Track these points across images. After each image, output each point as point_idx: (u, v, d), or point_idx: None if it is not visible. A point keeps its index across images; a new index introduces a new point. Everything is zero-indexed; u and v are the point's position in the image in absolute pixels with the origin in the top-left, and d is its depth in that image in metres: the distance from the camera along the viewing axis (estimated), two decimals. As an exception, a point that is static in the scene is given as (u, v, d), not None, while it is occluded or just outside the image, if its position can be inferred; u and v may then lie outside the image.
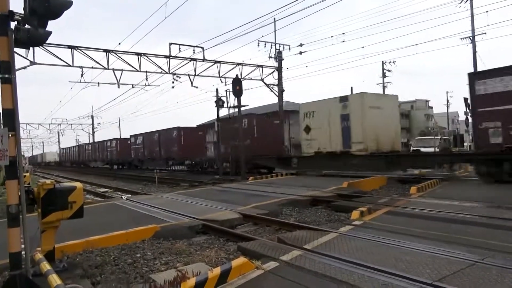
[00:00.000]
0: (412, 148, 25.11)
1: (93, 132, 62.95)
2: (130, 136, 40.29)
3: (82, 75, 20.67)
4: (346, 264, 4.53)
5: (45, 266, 3.89)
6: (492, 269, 4.11)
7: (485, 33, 25.47)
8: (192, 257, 5.55)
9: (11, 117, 3.49)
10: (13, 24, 3.64)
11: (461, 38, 26.31)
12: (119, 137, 45.88)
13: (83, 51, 19.28)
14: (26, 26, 3.75)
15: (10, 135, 3.46)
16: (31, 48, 15.08)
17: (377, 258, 4.71)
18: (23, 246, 3.89)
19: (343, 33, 35.74)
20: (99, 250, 5.92)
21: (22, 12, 3.59)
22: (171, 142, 30.73)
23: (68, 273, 4.65)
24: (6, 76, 3.44)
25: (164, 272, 4.85)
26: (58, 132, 73.00)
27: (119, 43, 30.95)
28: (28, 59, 16.69)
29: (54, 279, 3.39)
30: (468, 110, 28.47)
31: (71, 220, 4.82)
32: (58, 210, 4.66)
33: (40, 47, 16.30)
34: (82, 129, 64.17)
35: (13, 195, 3.57)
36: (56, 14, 3.51)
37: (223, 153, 23.18)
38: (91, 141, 60.91)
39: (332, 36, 33.84)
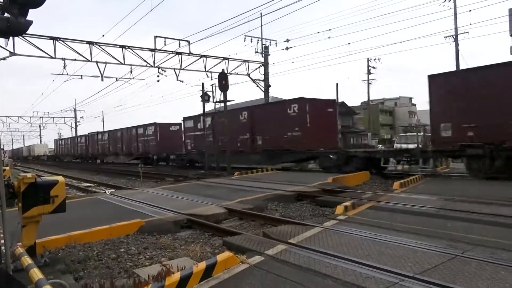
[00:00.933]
0: (395, 145, 25.51)
1: (76, 126, 61.84)
2: (184, 118, 28.06)
3: (64, 67, 20.29)
4: (330, 258, 4.58)
5: (26, 260, 3.81)
6: (472, 262, 4.22)
7: (468, 32, 25.98)
8: (177, 252, 5.53)
9: (-10, 109, 3.40)
10: (-9, 13, 3.53)
11: (445, 37, 26.83)
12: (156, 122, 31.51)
13: (66, 42, 18.88)
14: (6, 14, 3.63)
15: (-11, 127, 3.36)
16: (10, 38, 14.63)
17: (361, 252, 4.78)
18: (2, 241, 3.80)
19: (329, 30, 35.94)
20: (82, 245, 5.84)
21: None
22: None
23: (50, 268, 4.57)
24: (-15, 66, 3.34)
25: (148, 267, 4.82)
26: (40, 125, 71.55)
27: (103, 35, 30.45)
28: (7, 50, 16.24)
29: (36, 273, 3.32)
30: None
31: (53, 214, 4.73)
32: (40, 204, 4.56)
33: (21, 37, 15.87)
34: (65, 123, 62.98)
35: (-8, 188, 3.47)
36: (37, 3, 3.40)
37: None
38: (73, 134, 59.67)
39: (318, 32, 34.01)
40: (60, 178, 4.85)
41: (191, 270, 3.99)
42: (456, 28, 25.85)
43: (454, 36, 26.22)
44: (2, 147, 3.73)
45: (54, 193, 4.69)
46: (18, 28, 3.63)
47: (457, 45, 25.98)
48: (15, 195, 4.57)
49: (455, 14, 25.67)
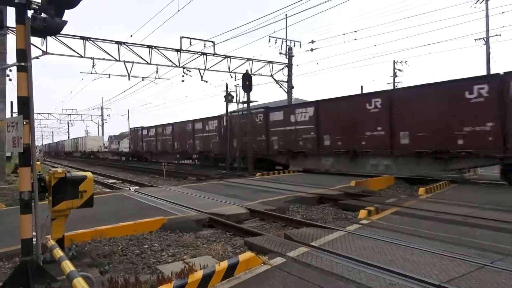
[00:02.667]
0: None
1: (103, 124, 63.52)
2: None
3: (93, 66, 20.85)
4: (353, 263, 4.52)
5: (58, 252, 3.94)
6: (502, 273, 4.07)
7: (500, 34, 25.09)
8: (199, 250, 5.58)
9: (26, 105, 3.53)
10: (29, 13, 3.67)
11: (475, 39, 26.03)
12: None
13: (95, 42, 19.41)
14: (43, 15, 3.77)
15: (24, 123, 3.50)
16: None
17: (384, 258, 4.69)
18: (34, 233, 3.94)
19: (356, 31, 35.46)
20: (107, 239, 5.99)
21: (39, 0, 3.61)
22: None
23: (77, 261, 4.70)
24: (22, 64, 3.48)
25: (171, 264, 4.89)
26: (68, 123, 73.90)
27: (131, 35, 30.83)
28: (41, 49, 16.87)
29: (68, 265, 3.43)
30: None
31: (79, 209, 4.86)
32: (69, 198, 4.69)
33: (53, 36, 16.43)
34: (92, 120, 64.82)
35: (26, 182, 3.61)
36: (73, 3, 3.52)
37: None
38: (100, 133, 61.15)
39: (344, 34, 33.69)
40: (88, 174, 4.98)
41: (214, 268, 4.02)
42: (487, 31, 25.06)
43: (485, 39, 25.42)
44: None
45: (83, 188, 4.82)
46: (54, 28, 3.77)
47: (488, 48, 25.18)
48: (46, 189, 4.74)
49: (487, 16, 24.89)
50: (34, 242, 3.93)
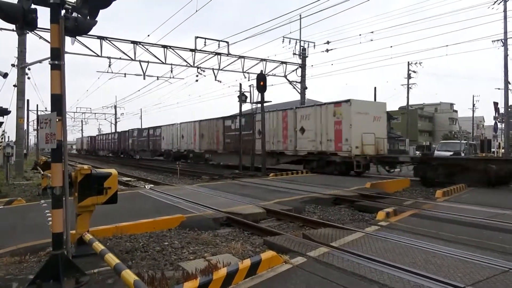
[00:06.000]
0: (436, 152, 24.58)
1: (116, 122, 64.29)
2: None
3: (109, 66, 21.13)
4: (375, 264, 4.51)
5: (99, 246, 4.02)
6: (528, 277, 4.02)
7: (518, 36, 24.62)
8: (219, 248, 5.63)
9: (59, 102, 3.62)
10: (62, 12, 3.76)
11: (493, 41, 25.66)
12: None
13: (112, 42, 19.68)
14: (74, 14, 3.86)
15: (57, 120, 3.58)
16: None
17: (406, 260, 4.67)
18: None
19: (372, 32, 35.18)
20: (128, 236, 6.08)
21: (72, 0, 3.70)
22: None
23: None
24: (56, 62, 3.57)
25: (193, 261, 4.95)
26: (82, 121, 74.90)
27: (148, 35, 31.29)
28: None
29: (112, 258, 3.51)
30: (497, 115, 27.79)
31: (99, 205, 4.95)
32: (94, 195, 4.80)
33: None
34: (105, 119, 65.63)
35: (58, 177, 3.70)
36: (107, 3, 3.60)
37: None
38: (113, 130, 61.84)
39: (360, 35, 33.51)
40: (113, 171, 5.08)
41: (237, 266, 4.05)
42: (505, 32, 24.67)
43: (503, 40, 25.00)
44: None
45: (107, 184, 4.91)
46: (85, 27, 3.86)
47: (506, 50, 24.77)
48: (72, 185, 4.84)
49: (505, 17, 24.52)
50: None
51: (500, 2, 24.62)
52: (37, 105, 63.29)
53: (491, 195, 10.56)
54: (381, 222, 6.92)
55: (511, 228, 6.38)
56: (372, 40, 25.39)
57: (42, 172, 12.92)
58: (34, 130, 48.28)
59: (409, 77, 42.24)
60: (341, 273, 4.24)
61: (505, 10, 24.33)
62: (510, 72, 24.62)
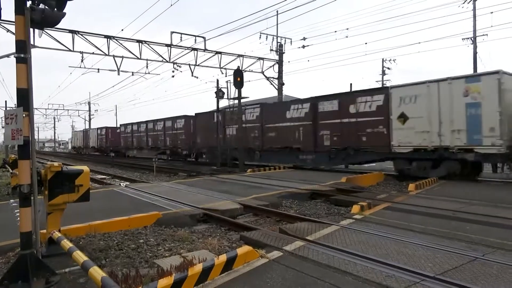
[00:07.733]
0: None
1: (90, 119, 62.69)
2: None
3: (82, 61, 20.53)
4: (349, 256, 4.60)
5: (67, 243, 3.91)
6: (494, 265, 4.20)
7: (487, 34, 25.53)
8: (195, 245, 5.59)
9: (25, 97, 3.48)
10: (28, 3, 3.61)
11: (463, 39, 26.45)
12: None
13: (84, 36, 19.11)
14: (41, 5, 3.72)
15: (24, 115, 3.45)
16: (31, 30, 14.88)
17: (379, 251, 4.78)
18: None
19: (347, 29, 35.63)
20: (102, 234, 5.95)
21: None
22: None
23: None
24: (22, 55, 3.43)
25: (168, 258, 4.90)
26: (54, 118, 72.68)
27: (122, 29, 30.47)
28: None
29: (80, 255, 3.43)
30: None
31: (71, 204, 4.82)
32: (65, 192, 4.67)
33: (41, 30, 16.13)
34: (79, 115, 63.89)
35: (25, 175, 3.57)
36: (74, -5, 3.49)
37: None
38: (87, 127, 60.31)
39: (336, 31, 33.82)
40: (85, 168, 4.95)
41: (213, 262, 4.04)
42: (474, 30, 25.49)
43: (472, 38, 25.86)
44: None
45: (79, 182, 4.79)
46: (52, 19, 3.73)
47: (475, 48, 25.61)
48: (41, 183, 4.68)
49: (474, 16, 25.31)
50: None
51: (470, 1, 25.44)
52: (5, 101, 60.94)
53: (459, 188, 10.95)
54: (355, 216, 7.06)
55: (476, 219, 6.64)
56: (347, 36, 25.69)
57: (11, 171, 12.46)
58: (2, 127, 46.47)
59: (383, 73, 43.08)
60: (316, 266, 4.30)
61: (474, 9, 25.14)
62: (479, 69, 25.52)
